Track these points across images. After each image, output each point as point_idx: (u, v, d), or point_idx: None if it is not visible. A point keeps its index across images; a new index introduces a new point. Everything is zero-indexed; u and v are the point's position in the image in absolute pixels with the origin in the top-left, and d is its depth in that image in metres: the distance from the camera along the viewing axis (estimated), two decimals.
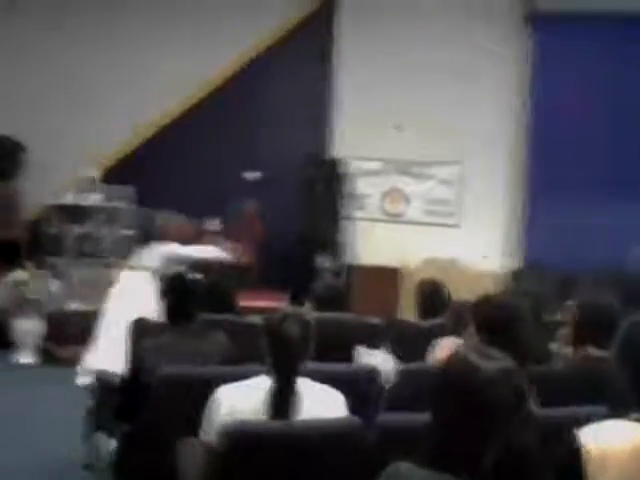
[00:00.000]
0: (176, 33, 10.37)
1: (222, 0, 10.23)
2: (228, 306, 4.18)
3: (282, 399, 2.34)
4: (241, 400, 2.40)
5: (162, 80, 10.53)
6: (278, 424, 2.33)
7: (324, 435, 2.31)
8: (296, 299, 5.65)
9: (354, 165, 9.83)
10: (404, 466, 1.66)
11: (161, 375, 3.03)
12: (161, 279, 4.00)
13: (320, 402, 2.41)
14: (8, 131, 10.74)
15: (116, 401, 3.60)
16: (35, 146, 10.95)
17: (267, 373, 2.44)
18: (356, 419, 2.35)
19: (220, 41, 10.25)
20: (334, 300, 4.24)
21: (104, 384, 4.07)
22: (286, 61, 10.18)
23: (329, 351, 2.94)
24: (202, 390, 2.56)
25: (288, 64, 10.18)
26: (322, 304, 4.11)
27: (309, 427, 2.33)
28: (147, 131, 10.83)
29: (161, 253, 5.14)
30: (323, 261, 9.11)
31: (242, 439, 2.32)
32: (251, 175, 10.16)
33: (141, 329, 3.79)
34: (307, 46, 10.20)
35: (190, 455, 2.63)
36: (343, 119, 9.99)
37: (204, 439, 2.50)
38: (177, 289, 3.57)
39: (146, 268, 5.05)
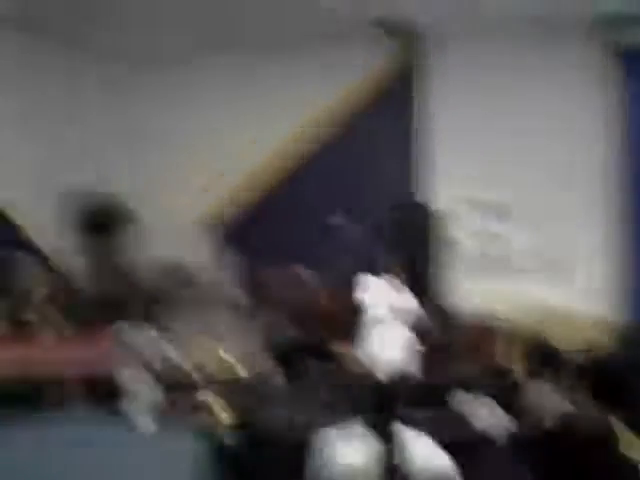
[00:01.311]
0: (263, 91, 10.89)
1: (315, 56, 10.53)
2: (326, 357, 4.31)
3: (389, 453, 2.43)
4: (352, 457, 2.50)
5: (251, 135, 11.07)
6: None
7: None
8: None
9: (452, 210, 9.88)
10: None
11: (274, 436, 3.18)
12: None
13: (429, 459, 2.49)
14: (114, 190, 11.43)
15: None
16: (141, 205, 11.63)
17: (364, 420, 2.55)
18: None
19: (310, 90, 10.68)
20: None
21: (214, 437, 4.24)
22: (377, 109, 10.46)
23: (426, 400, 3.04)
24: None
25: (378, 112, 10.44)
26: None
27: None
28: (239, 187, 11.33)
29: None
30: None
31: None
32: (338, 220, 10.37)
33: (254, 391, 3.96)
34: (397, 95, 10.44)
35: None
36: (434, 164, 10.14)
37: None
38: (284, 349, 3.75)
39: None
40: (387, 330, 6.67)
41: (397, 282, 6.91)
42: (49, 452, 5.90)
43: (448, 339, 6.77)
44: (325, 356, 4.82)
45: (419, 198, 10.10)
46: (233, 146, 11.09)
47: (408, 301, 6.87)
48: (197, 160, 11.38)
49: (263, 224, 10.63)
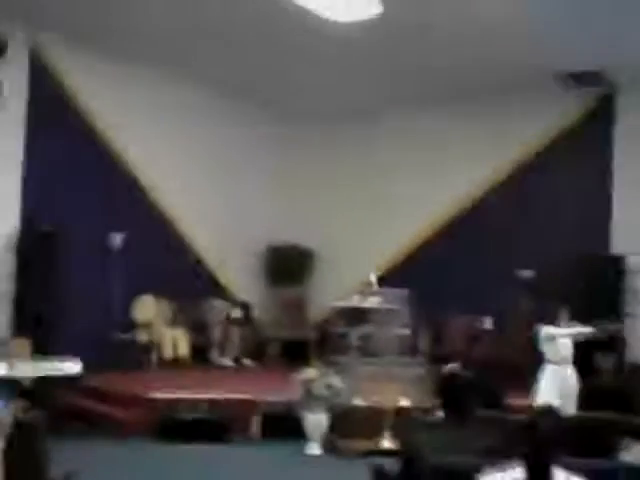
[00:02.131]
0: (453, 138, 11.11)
1: (503, 106, 10.63)
2: (496, 403, 4.42)
3: None
4: None
5: (436, 185, 11.27)
6: None
7: None
8: None
9: (634, 261, 9.57)
10: None
11: (432, 465, 3.36)
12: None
13: None
14: (299, 240, 12.08)
15: None
16: (322, 253, 12.17)
17: (523, 465, 2.67)
18: None
19: (495, 142, 10.77)
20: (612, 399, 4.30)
21: (379, 471, 4.45)
22: (563, 159, 10.36)
23: (589, 447, 3.08)
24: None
25: (565, 162, 10.34)
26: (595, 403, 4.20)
27: None
28: (423, 234, 11.53)
29: None
30: (604, 360, 8.84)
31: None
32: (525, 273, 10.27)
33: (417, 424, 4.15)
34: (585, 143, 10.30)
35: None
36: (622, 215, 9.85)
37: None
38: (452, 388, 3.92)
39: None
40: (561, 378, 6.65)
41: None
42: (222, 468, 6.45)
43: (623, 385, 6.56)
44: (496, 405, 4.91)
45: (608, 250, 9.87)
46: (421, 196, 11.36)
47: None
48: (377, 213, 11.77)
49: (445, 273, 10.76)
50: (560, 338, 6.85)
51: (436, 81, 10.40)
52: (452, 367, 5.92)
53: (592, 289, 9.39)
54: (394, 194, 11.56)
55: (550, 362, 6.86)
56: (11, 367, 6.69)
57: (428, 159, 11.42)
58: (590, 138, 10.23)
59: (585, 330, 6.83)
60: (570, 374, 6.80)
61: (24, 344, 7.98)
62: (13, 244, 9.02)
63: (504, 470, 2.78)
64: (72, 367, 7.27)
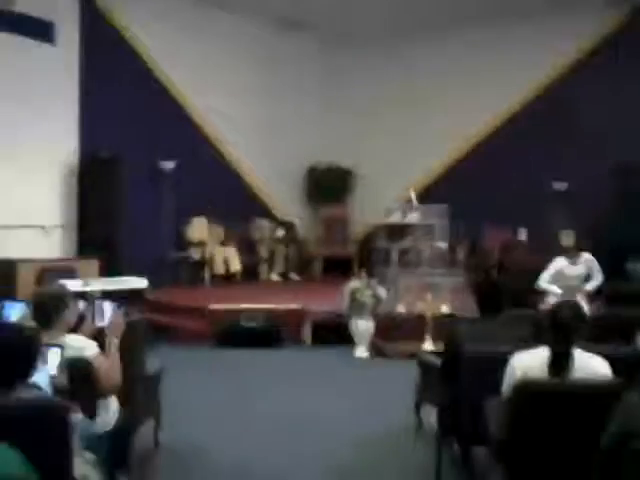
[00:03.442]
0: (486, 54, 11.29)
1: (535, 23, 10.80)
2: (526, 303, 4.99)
3: (558, 363, 3.13)
4: (528, 364, 3.24)
5: (473, 99, 11.56)
6: (555, 381, 3.14)
7: (591, 391, 3.06)
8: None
9: None
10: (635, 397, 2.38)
11: (470, 353, 3.94)
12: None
13: (588, 366, 3.16)
14: (339, 161, 12.55)
15: (436, 378, 4.61)
16: (362, 173, 12.64)
17: (548, 346, 3.24)
18: (618, 381, 3.06)
19: (530, 54, 10.99)
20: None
21: (425, 363, 5.08)
22: (601, 70, 10.57)
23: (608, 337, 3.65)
24: (503, 360, 3.45)
25: (603, 73, 10.55)
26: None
27: (579, 385, 3.11)
28: (459, 151, 11.90)
29: None
30: (635, 266, 9.28)
31: (529, 393, 3.15)
32: (559, 185, 10.66)
33: (457, 321, 4.74)
34: (623, 53, 10.48)
35: (494, 409, 3.50)
36: None
37: (503, 396, 3.37)
38: (486, 290, 4.48)
39: None
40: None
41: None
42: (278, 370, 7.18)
43: None
44: (526, 304, 5.48)
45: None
46: (456, 110, 11.66)
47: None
48: (418, 128, 12.10)
49: (482, 187, 11.11)
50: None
51: (469, 2, 10.61)
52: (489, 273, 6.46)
53: (623, 200, 9.79)
54: (431, 114, 11.89)
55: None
56: (85, 283, 7.37)
57: (463, 80, 11.69)
58: (628, 48, 10.39)
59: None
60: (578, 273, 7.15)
61: (92, 264, 8.69)
62: (75, 170, 9.68)
63: (532, 352, 3.36)
64: (139, 283, 7.95)
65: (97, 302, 3.66)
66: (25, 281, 7.91)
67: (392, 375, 6.87)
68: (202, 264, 10.93)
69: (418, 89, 12.09)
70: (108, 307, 3.62)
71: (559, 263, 6.99)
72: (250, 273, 11.48)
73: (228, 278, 11.01)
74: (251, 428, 5.27)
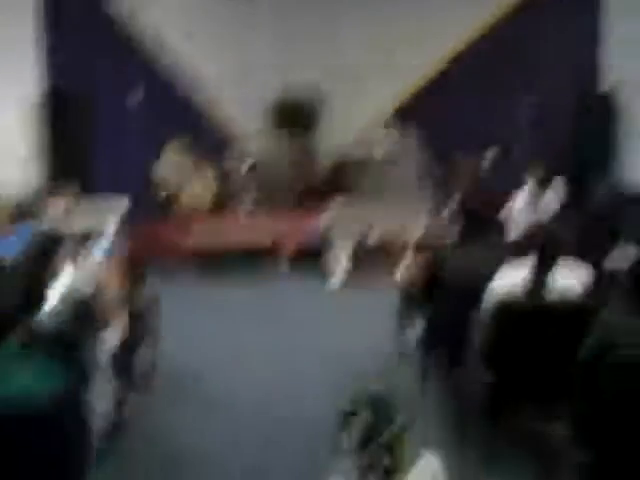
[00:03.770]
0: None
1: None
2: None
3: (537, 283, 3.34)
4: (509, 285, 3.45)
5: (440, 22, 11.47)
6: (534, 300, 3.37)
7: (569, 309, 3.29)
8: None
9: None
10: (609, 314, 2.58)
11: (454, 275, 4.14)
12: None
13: (565, 285, 3.38)
14: (305, 86, 12.38)
15: (418, 302, 4.84)
16: (330, 98, 12.52)
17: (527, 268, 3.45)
18: (595, 297, 3.28)
19: None
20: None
21: (406, 289, 5.30)
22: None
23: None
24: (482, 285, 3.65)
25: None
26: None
27: (557, 303, 3.34)
28: (430, 73, 11.85)
29: None
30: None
31: (510, 312, 3.37)
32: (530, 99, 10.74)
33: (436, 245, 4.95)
34: None
35: (477, 323, 3.71)
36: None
37: (485, 316, 3.58)
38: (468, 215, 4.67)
39: None
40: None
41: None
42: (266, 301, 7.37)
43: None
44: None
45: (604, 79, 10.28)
46: (428, 31, 11.56)
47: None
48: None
49: (448, 105, 11.12)
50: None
51: None
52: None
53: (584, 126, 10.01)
54: (399, 32, 11.76)
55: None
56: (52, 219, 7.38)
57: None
58: None
59: None
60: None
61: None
62: (42, 109, 9.56)
63: (512, 274, 3.55)
64: (121, 204, 8.00)
65: (95, 237, 3.76)
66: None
67: (368, 303, 7.08)
68: (173, 199, 10.94)
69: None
70: (105, 242, 3.72)
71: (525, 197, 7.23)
72: (221, 207, 11.52)
73: (200, 212, 11.05)
74: (237, 355, 5.54)
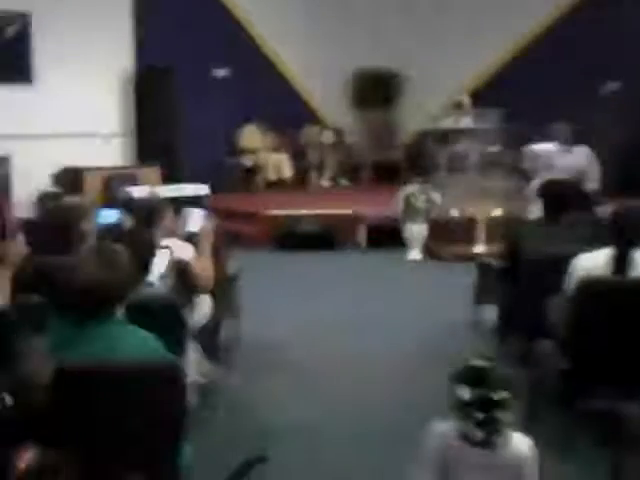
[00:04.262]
0: None
1: None
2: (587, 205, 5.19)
3: (620, 262, 3.38)
4: (591, 263, 3.49)
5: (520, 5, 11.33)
6: (617, 279, 3.40)
7: None
8: None
9: None
10: None
11: (533, 253, 4.19)
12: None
13: None
14: (387, 63, 12.47)
15: (495, 278, 4.90)
16: (410, 76, 12.56)
17: (610, 246, 3.48)
18: None
19: None
20: None
21: (484, 265, 5.36)
22: None
23: None
24: (565, 261, 3.69)
25: None
26: None
27: (637, 282, 3.37)
28: (509, 53, 11.75)
29: None
30: None
31: (592, 290, 3.41)
32: (611, 86, 10.54)
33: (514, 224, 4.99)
34: None
35: (555, 305, 3.76)
36: None
37: (567, 294, 3.62)
38: (550, 193, 4.69)
39: None
40: None
41: None
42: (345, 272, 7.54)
43: None
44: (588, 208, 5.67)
45: None
46: (503, 12, 11.44)
47: None
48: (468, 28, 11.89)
49: (531, 86, 10.99)
50: None
51: None
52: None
53: None
54: (477, 16, 11.70)
55: None
56: (152, 191, 7.68)
57: None
58: None
59: None
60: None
61: (154, 171, 9.02)
62: (132, 79, 9.90)
63: (594, 253, 3.59)
64: (202, 189, 8.26)
65: (186, 209, 3.97)
66: (92, 189, 8.29)
67: (446, 276, 7.18)
68: (255, 170, 11.21)
69: None
70: (197, 214, 3.92)
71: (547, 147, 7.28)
72: (300, 179, 11.73)
73: (280, 184, 11.28)
74: (318, 326, 5.64)
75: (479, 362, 2.28)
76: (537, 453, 2.32)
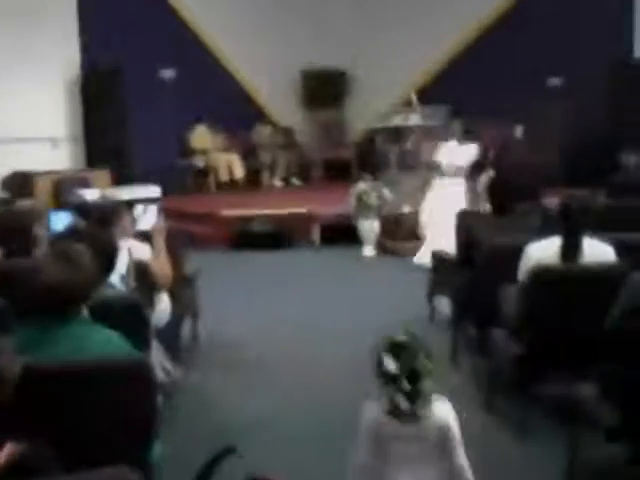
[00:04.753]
0: None
1: None
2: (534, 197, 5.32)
3: (569, 250, 3.50)
4: (542, 252, 3.61)
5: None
6: (567, 266, 3.52)
7: (599, 274, 3.44)
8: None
9: None
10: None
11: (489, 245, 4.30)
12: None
13: (596, 253, 3.53)
14: (334, 62, 12.53)
15: (450, 268, 5.01)
16: (358, 75, 12.65)
17: (559, 235, 3.60)
18: (622, 264, 3.43)
19: None
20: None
21: (439, 258, 5.47)
22: None
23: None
24: (517, 251, 3.80)
25: None
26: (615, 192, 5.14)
27: (589, 269, 3.49)
28: (455, 49, 11.90)
29: None
30: (628, 157, 9.55)
31: (543, 277, 3.53)
32: (555, 81, 10.79)
33: (467, 217, 5.10)
34: None
35: (508, 293, 3.88)
36: None
37: (519, 281, 3.74)
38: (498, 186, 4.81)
39: None
40: None
41: None
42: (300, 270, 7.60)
43: None
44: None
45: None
46: (447, 9, 11.62)
47: None
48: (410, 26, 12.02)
49: (477, 82, 11.17)
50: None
51: None
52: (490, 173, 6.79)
53: (618, 94, 9.99)
54: (424, 12, 11.82)
55: None
56: (103, 194, 7.62)
57: None
58: None
59: None
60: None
61: (104, 174, 8.95)
62: (78, 82, 9.79)
63: (545, 242, 3.71)
64: (154, 191, 8.22)
65: (139, 208, 3.96)
66: (42, 192, 8.19)
67: (399, 272, 7.30)
68: (206, 171, 11.18)
69: None
70: (150, 212, 3.92)
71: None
72: (252, 179, 11.74)
73: (232, 185, 11.28)
74: (274, 325, 5.66)
75: (401, 337, 2.49)
76: (456, 416, 2.52)
